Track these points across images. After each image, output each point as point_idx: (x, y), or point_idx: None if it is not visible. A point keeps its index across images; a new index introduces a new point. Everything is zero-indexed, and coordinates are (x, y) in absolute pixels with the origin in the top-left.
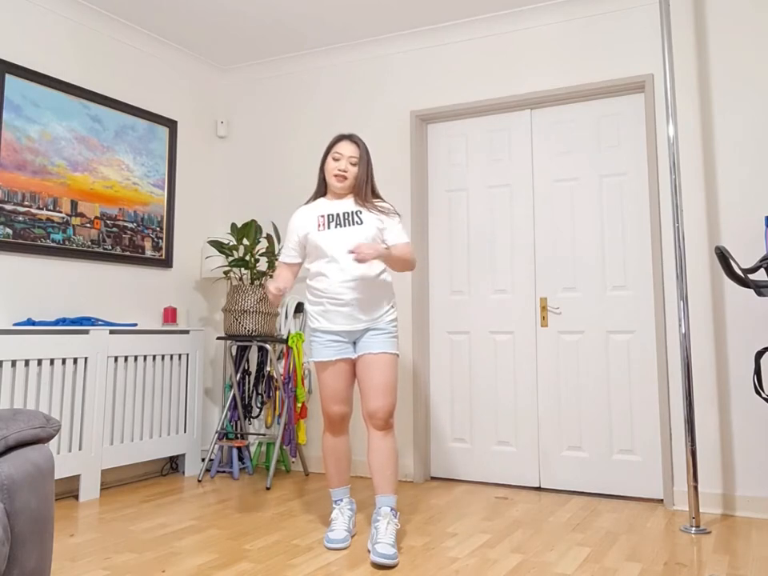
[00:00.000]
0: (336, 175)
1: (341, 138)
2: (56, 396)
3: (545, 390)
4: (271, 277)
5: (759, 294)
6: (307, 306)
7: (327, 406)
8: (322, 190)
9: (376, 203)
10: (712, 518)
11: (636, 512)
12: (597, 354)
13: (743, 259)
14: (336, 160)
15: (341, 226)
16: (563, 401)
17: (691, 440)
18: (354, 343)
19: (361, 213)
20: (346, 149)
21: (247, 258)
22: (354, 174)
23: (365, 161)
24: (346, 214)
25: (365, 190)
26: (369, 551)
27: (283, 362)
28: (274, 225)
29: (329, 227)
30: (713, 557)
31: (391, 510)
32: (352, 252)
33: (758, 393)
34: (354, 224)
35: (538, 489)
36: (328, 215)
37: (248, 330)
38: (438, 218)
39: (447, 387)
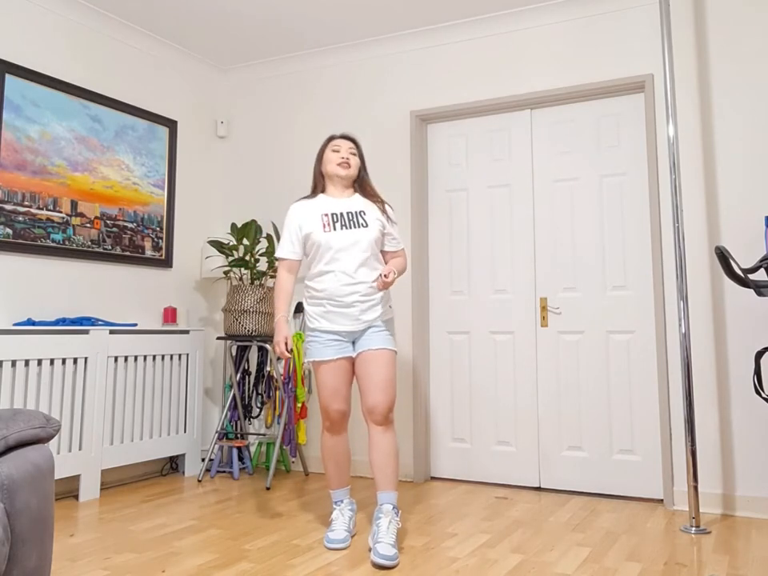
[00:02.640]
0: (340, 163)
1: (334, 136)
2: (56, 396)
3: (545, 390)
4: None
5: (759, 294)
6: (306, 307)
7: (327, 404)
8: (321, 187)
9: (383, 202)
10: (712, 517)
11: (636, 512)
12: (597, 354)
13: (743, 259)
14: (336, 152)
15: (346, 228)
16: (563, 401)
17: (691, 440)
18: (353, 342)
19: (365, 213)
20: (344, 143)
21: (247, 257)
22: (356, 163)
23: (361, 156)
24: (350, 215)
25: (367, 181)
26: (370, 549)
27: (283, 361)
28: (273, 225)
29: (335, 228)
30: (713, 557)
31: (393, 507)
32: (382, 279)
33: (758, 393)
34: (359, 226)
35: (538, 489)
36: (332, 215)
37: (248, 330)
38: (438, 218)
39: (447, 387)
